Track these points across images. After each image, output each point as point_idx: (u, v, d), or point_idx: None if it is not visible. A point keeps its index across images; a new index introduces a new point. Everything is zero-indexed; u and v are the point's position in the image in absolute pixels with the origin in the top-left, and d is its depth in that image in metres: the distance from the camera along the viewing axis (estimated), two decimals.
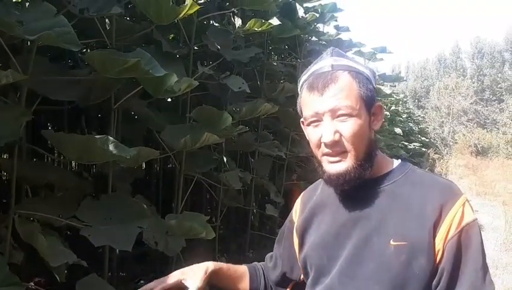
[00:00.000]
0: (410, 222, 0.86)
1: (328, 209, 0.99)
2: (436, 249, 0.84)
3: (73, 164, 3.77)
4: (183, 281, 1.02)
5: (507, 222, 6.79)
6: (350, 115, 0.88)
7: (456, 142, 25.09)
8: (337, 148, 0.89)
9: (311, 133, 0.93)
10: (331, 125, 0.89)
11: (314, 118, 0.91)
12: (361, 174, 0.90)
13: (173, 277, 1.03)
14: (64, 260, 1.40)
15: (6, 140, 1.25)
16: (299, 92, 0.99)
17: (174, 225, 1.93)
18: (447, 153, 23.00)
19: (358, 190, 0.92)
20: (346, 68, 0.91)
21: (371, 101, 0.92)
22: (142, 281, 3.75)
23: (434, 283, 0.85)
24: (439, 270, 0.85)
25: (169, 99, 3.19)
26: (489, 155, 21.71)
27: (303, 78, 0.97)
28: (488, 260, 0.89)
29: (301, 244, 1.05)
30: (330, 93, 0.89)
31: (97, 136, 1.39)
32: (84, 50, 2.31)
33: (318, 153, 0.93)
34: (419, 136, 16.56)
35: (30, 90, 1.67)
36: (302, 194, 1.13)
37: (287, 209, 4.66)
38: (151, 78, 1.68)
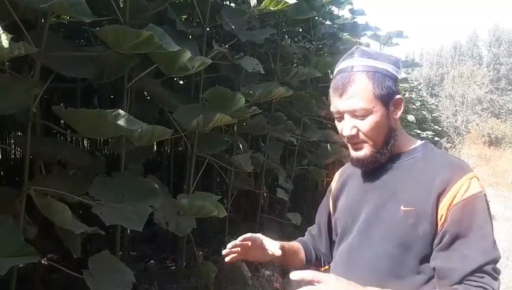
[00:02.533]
0: (420, 191, 0.98)
1: (356, 179, 1.15)
2: (439, 216, 0.95)
3: (85, 142, 3.80)
4: (263, 241, 1.16)
5: None
6: (365, 115, 1.01)
7: (469, 132, 24.72)
8: (355, 140, 1.05)
9: (338, 125, 1.09)
10: (349, 122, 1.03)
11: (337, 115, 1.07)
12: (377, 159, 1.04)
13: (255, 235, 1.17)
14: (85, 229, 1.41)
15: (17, 108, 1.26)
16: None
17: (186, 204, 1.93)
18: (459, 143, 22.69)
19: (380, 165, 1.06)
20: (365, 68, 1.02)
21: (388, 97, 1.02)
22: (152, 261, 3.80)
23: (435, 242, 0.96)
24: (441, 232, 0.95)
25: (181, 82, 3.19)
26: (502, 145, 21.37)
27: (333, 75, 1.11)
28: (499, 250, 0.95)
29: (334, 208, 1.22)
30: (347, 95, 1.02)
31: (108, 110, 1.38)
32: (97, 29, 2.30)
33: (345, 140, 1.09)
34: (432, 124, 16.36)
35: (44, 68, 1.67)
36: (341, 168, 1.29)
37: (296, 194, 4.69)
38: (164, 55, 1.66)
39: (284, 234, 4.33)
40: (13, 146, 3.28)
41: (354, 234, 1.09)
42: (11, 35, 1.06)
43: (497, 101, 34.15)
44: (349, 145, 1.08)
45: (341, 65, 1.07)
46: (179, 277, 2.84)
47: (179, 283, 2.77)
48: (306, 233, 1.38)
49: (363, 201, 1.09)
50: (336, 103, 1.05)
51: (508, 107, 34.19)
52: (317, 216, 1.33)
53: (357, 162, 1.07)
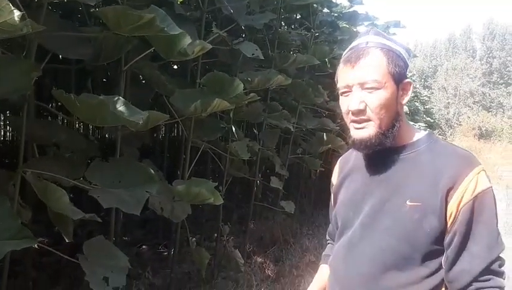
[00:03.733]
0: (427, 185, 0.95)
1: (358, 171, 1.10)
2: (448, 212, 0.93)
3: (77, 125, 3.75)
4: None
5: (508, 205, 6.81)
6: (376, 88, 0.97)
7: (460, 124, 24.94)
8: (362, 116, 0.99)
9: (342, 102, 1.03)
10: (358, 95, 0.98)
11: (346, 89, 1.01)
12: (382, 142, 0.99)
13: None
14: (82, 215, 1.39)
15: (19, 93, 1.22)
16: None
17: (182, 190, 1.91)
18: (450, 135, 22.90)
19: (384, 156, 1.03)
20: (379, 45, 1.00)
21: (399, 76, 0.99)
22: (144, 247, 3.79)
23: (446, 241, 0.94)
24: (451, 232, 0.93)
25: (175, 66, 3.14)
26: (492, 139, 21.60)
27: (344, 52, 1.07)
28: None
29: (335, 202, 1.18)
30: (360, 66, 0.98)
31: (109, 98, 1.35)
32: (92, 10, 2.25)
33: (347, 120, 1.03)
34: (424, 116, 16.43)
35: (39, 49, 1.63)
36: (340, 158, 1.24)
37: (290, 182, 4.70)
38: (163, 39, 1.63)
39: (276, 221, 4.36)
40: (8, 128, 3.21)
41: (356, 227, 1.05)
42: (23, 12, 1.02)
43: (489, 95, 34.39)
44: (351, 126, 1.02)
45: (354, 43, 1.04)
46: (172, 263, 2.84)
47: (172, 269, 2.77)
48: (327, 237, 1.32)
49: (366, 194, 1.05)
50: (346, 75, 1.00)
51: (498, 101, 34.44)
52: (330, 214, 1.28)
53: (359, 144, 1.01)
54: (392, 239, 0.97)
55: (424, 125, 14.52)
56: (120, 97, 1.39)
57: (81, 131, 3.62)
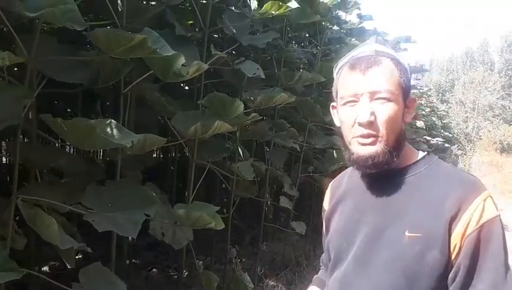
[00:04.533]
0: (427, 214, 0.86)
1: (352, 196, 1.01)
2: (452, 244, 0.84)
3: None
4: None
5: None
6: (388, 99, 0.88)
7: (480, 138, 24.42)
8: (370, 130, 0.89)
9: (346, 113, 0.92)
10: (368, 106, 0.88)
11: (352, 98, 0.91)
12: (388, 161, 0.90)
13: None
14: (71, 244, 1.35)
15: (7, 123, 1.20)
16: (334, 76, 1.00)
17: (183, 215, 1.87)
18: (470, 149, 22.38)
19: (381, 180, 0.93)
20: (389, 56, 0.93)
21: (407, 91, 0.92)
22: (154, 270, 3.74)
23: (450, 276, 0.85)
24: (455, 266, 0.84)
25: (186, 87, 3.14)
26: None
27: (342, 61, 0.98)
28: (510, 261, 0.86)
29: (327, 230, 1.08)
30: (372, 74, 0.89)
31: (99, 121, 1.32)
32: (84, 33, 2.25)
33: (349, 134, 0.93)
34: (442, 131, 16.13)
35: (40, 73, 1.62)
36: (331, 183, 1.15)
37: (302, 202, 4.61)
38: (159, 60, 1.61)
39: (288, 243, 4.25)
40: (5, 152, 3.22)
41: (349, 261, 0.95)
42: None
43: (509, 107, 33.67)
44: (355, 141, 0.91)
45: (357, 51, 0.95)
46: (180, 287, 2.78)
47: None
48: (320, 264, 1.24)
49: (360, 222, 0.95)
50: (355, 83, 0.90)
51: None
52: (323, 242, 1.19)
53: (365, 161, 0.89)
54: (390, 275, 0.87)
55: (442, 140, 14.26)
56: (112, 120, 1.36)
57: (91, 154, 3.63)
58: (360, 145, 0.90)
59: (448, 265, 0.84)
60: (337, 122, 0.99)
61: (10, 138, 2.75)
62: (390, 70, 0.90)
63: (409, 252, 0.86)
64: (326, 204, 1.11)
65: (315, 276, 1.21)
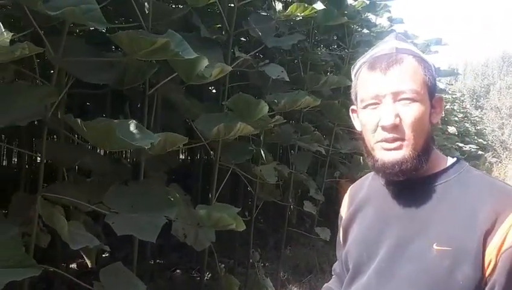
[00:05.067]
0: (458, 226, 0.78)
1: (373, 204, 0.94)
2: (487, 260, 0.76)
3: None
4: None
5: None
6: (413, 100, 0.81)
7: None
8: (395, 134, 0.81)
9: (368, 116, 0.85)
10: (391, 108, 0.81)
11: (374, 100, 0.84)
12: (417, 167, 0.82)
13: None
14: (85, 244, 1.36)
15: (29, 120, 1.22)
16: (353, 77, 0.93)
17: (204, 215, 1.86)
18: (506, 157, 21.51)
19: (407, 188, 0.85)
20: (410, 52, 0.85)
21: (433, 90, 0.85)
22: (178, 271, 3.76)
23: None
24: (489, 283, 0.76)
25: (214, 90, 3.15)
26: None
27: (361, 61, 0.91)
28: None
29: (344, 240, 1.00)
30: (395, 73, 0.82)
31: (120, 122, 1.33)
32: (108, 35, 2.29)
33: (372, 139, 0.85)
34: (475, 137, 15.61)
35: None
36: (350, 188, 1.07)
37: (328, 207, 4.54)
38: (182, 63, 1.61)
39: (313, 248, 4.19)
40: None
41: (370, 274, 0.87)
42: (12, 34, 1.01)
43: None
44: (378, 146, 0.84)
45: (377, 49, 0.88)
46: (201, 289, 2.77)
47: None
48: (332, 273, 1.16)
49: (383, 233, 0.87)
50: (376, 84, 0.83)
51: None
52: (337, 251, 1.11)
53: (391, 168, 0.81)
54: None
55: (476, 147, 13.78)
56: (133, 121, 1.37)
57: (117, 153, 3.70)
58: (384, 151, 0.83)
59: (481, 282, 0.76)
60: (358, 127, 0.92)
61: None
62: (414, 68, 0.83)
63: (437, 267, 0.78)
64: (344, 211, 1.04)
65: (325, 285, 1.14)
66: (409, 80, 0.82)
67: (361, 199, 0.98)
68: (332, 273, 1.15)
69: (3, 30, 1.00)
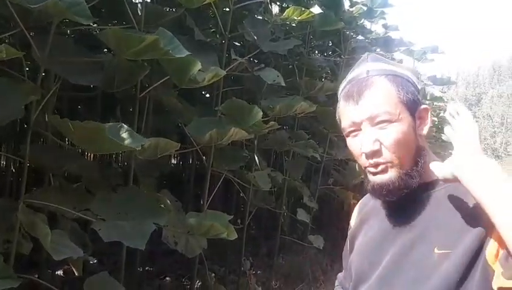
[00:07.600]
0: (458, 229, 0.80)
1: (377, 216, 0.96)
2: (487, 261, 0.76)
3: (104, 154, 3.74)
4: None
5: None
6: (390, 121, 0.83)
7: (508, 154, 23.67)
8: (377, 159, 0.84)
9: (351, 144, 0.89)
10: (370, 133, 0.84)
11: (352, 128, 0.87)
12: (407, 184, 0.84)
13: None
14: (68, 255, 1.29)
15: (8, 120, 1.15)
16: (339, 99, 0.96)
17: (194, 224, 1.79)
18: None
19: (406, 197, 0.86)
20: (382, 72, 0.87)
21: (413, 104, 0.86)
22: (167, 278, 3.68)
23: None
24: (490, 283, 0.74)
25: (207, 95, 3.09)
26: None
27: (341, 86, 0.93)
28: None
29: (350, 250, 1.03)
30: (366, 100, 0.84)
31: (109, 124, 1.27)
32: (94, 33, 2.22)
33: (361, 164, 0.88)
34: None
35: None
36: (360, 200, 1.09)
37: (321, 216, 4.48)
38: (174, 65, 1.55)
39: (305, 256, 4.13)
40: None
41: (373, 281, 0.88)
42: None
43: None
44: (367, 171, 0.87)
45: (352, 74, 0.90)
46: None
47: None
48: (336, 283, 1.17)
49: (386, 242, 0.89)
50: (351, 113, 0.86)
51: None
52: (343, 261, 1.13)
53: (380, 190, 0.85)
54: None
55: None
56: (123, 124, 1.31)
57: (108, 159, 3.61)
58: (372, 175, 0.86)
59: (481, 283, 0.76)
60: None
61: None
62: (385, 89, 0.84)
63: (438, 270, 0.79)
64: (352, 222, 1.06)
65: None
66: (382, 102, 0.83)
67: (368, 211, 1.00)
68: (337, 282, 1.16)
69: None
